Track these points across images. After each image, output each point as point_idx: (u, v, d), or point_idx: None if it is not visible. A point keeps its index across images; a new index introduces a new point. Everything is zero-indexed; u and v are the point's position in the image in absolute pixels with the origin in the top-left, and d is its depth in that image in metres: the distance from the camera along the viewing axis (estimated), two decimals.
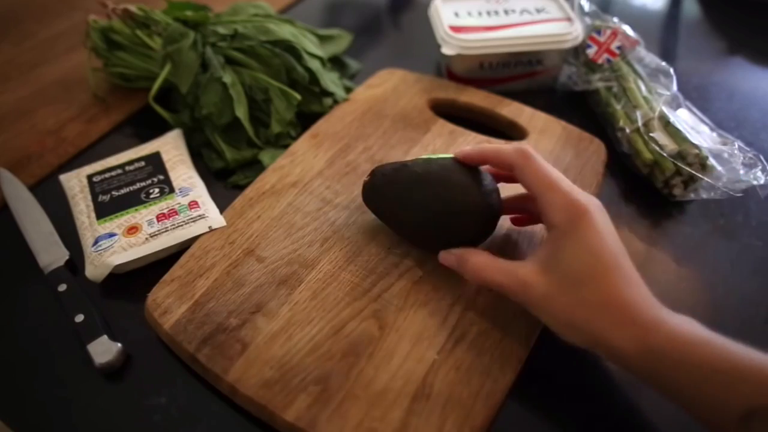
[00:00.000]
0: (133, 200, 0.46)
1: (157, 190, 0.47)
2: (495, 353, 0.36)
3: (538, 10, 0.59)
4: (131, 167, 0.49)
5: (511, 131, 0.54)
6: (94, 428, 0.35)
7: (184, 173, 0.48)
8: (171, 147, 0.51)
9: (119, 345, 0.38)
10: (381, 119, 0.53)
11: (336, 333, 0.37)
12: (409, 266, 0.41)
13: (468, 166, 0.39)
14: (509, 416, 0.35)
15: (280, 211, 0.45)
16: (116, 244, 0.42)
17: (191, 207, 0.45)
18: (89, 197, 0.46)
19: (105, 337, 0.38)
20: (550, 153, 0.50)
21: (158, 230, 0.43)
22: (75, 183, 0.48)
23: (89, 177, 0.48)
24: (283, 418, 0.33)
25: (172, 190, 0.47)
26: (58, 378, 0.38)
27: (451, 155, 0.40)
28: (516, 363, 0.36)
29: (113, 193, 0.47)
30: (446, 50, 0.56)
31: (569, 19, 0.57)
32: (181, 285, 0.40)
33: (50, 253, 0.44)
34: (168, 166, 0.49)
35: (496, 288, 0.36)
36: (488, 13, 0.59)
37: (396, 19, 0.76)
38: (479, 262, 0.36)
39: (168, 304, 0.39)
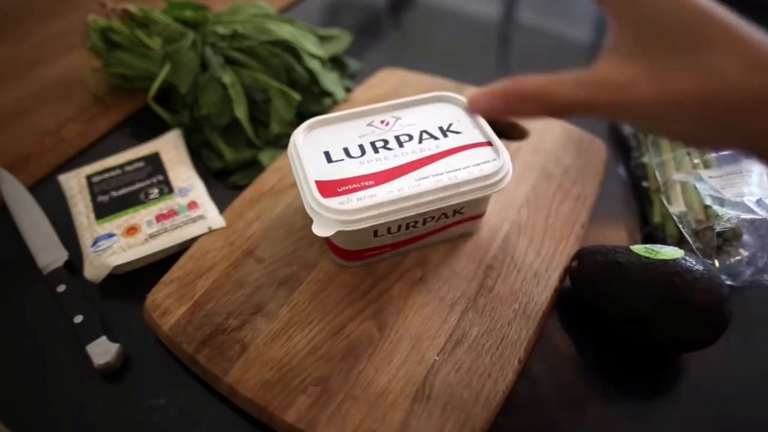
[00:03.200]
0: (133, 201, 0.46)
1: (156, 190, 0.47)
2: (495, 354, 0.36)
3: (445, 132, 0.39)
4: (130, 167, 0.49)
5: (511, 132, 0.53)
6: (93, 429, 0.35)
7: (183, 174, 0.48)
8: (170, 147, 0.51)
9: (118, 346, 0.38)
10: None
11: (336, 334, 0.37)
12: (409, 267, 0.41)
13: (690, 268, 0.34)
14: (509, 417, 0.35)
15: (280, 212, 0.45)
16: (115, 244, 0.42)
17: (190, 207, 0.45)
18: (88, 197, 0.46)
19: (104, 337, 0.38)
20: (550, 153, 0.49)
21: (157, 231, 0.43)
22: (74, 183, 0.48)
23: (88, 177, 0.48)
24: (282, 420, 0.33)
25: (171, 191, 0.46)
26: (57, 379, 0.38)
27: (670, 255, 0.36)
28: (516, 364, 0.36)
29: (112, 193, 0.46)
30: (319, 230, 0.34)
31: (490, 144, 0.38)
32: (180, 286, 0.40)
33: (49, 253, 0.44)
34: (167, 166, 0.49)
35: (578, 109, 0.27)
36: (374, 146, 0.38)
37: (396, 19, 0.76)
38: (539, 86, 0.27)
39: (167, 305, 0.39)
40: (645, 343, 0.37)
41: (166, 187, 0.47)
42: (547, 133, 0.51)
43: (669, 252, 0.36)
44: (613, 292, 0.37)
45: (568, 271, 0.41)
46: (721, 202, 0.41)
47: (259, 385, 0.34)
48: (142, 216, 0.44)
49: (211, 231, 0.43)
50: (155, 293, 0.39)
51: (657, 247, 0.37)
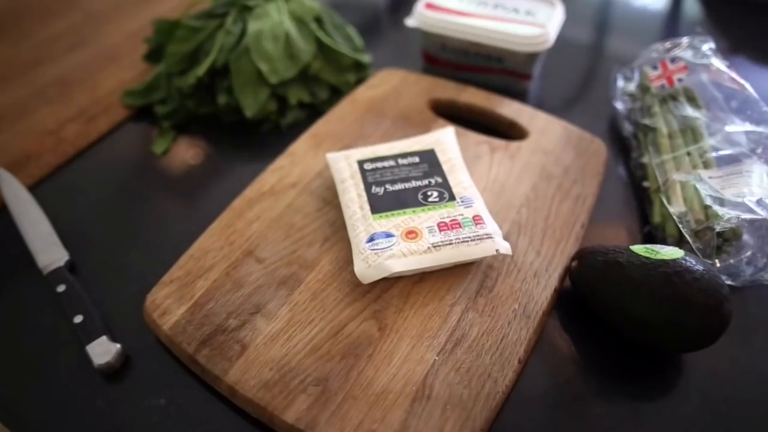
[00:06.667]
0: (410, 200, 0.41)
1: (435, 193, 0.41)
2: (495, 354, 0.36)
3: (527, 12, 0.56)
4: (404, 161, 0.44)
5: (511, 131, 0.53)
6: (93, 429, 0.35)
7: (463, 180, 0.43)
8: (446, 147, 0.46)
9: (118, 346, 0.38)
10: (381, 119, 0.53)
11: (336, 334, 0.37)
12: None
13: (690, 268, 0.34)
14: (509, 417, 0.35)
15: (280, 212, 0.45)
16: (395, 246, 0.38)
17: (476, 223, 0.39)
18: (361, 185, 0.42)
19: (104, 337, 0.38)
20: (550, 153, 0.49)
21: (441, 241, 0.38)
22: (344, 166, 0.44)
23: (360, 162, 0.44)
24: (282, 420, 0.33)
25: (452, 198, 0.41)
26: (57, 379, 0.38)
27: (670, 255, 0.35)
28: (516, 364, 0.36)
29: (387, 186, 0.42)
30: (409, 22, 0.57)
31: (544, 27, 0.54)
32: (180, 286, 0.40)
33: (49, 253, 0.44)
34: (445, 168, 0.43)
35: None
36: (479, 1, 0.58)
37: (396, 19, 0.76)
38: None
39: (167, 305, 0.39)
40: (645, 343, 0.37)
41: (446, 192, 0.41)
42: (547, 133, 0.51)
43: (669, 252, 0.36)
44: (612, 292, 0.37)
45: (568, 271, 0.41)
46: (721, 202, 0.41)
47: (259, 385, 0.34)
48: (422, 220, 0.39)
49: (496, 253, 0.38)
50: (155, 293, 0.39)
51: (657, 247, 0.37)
